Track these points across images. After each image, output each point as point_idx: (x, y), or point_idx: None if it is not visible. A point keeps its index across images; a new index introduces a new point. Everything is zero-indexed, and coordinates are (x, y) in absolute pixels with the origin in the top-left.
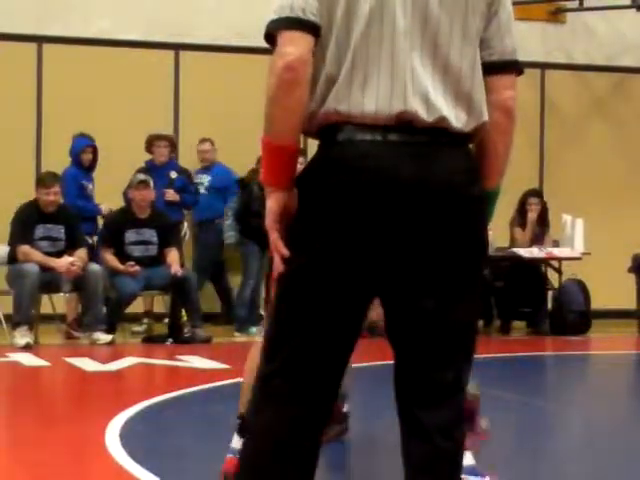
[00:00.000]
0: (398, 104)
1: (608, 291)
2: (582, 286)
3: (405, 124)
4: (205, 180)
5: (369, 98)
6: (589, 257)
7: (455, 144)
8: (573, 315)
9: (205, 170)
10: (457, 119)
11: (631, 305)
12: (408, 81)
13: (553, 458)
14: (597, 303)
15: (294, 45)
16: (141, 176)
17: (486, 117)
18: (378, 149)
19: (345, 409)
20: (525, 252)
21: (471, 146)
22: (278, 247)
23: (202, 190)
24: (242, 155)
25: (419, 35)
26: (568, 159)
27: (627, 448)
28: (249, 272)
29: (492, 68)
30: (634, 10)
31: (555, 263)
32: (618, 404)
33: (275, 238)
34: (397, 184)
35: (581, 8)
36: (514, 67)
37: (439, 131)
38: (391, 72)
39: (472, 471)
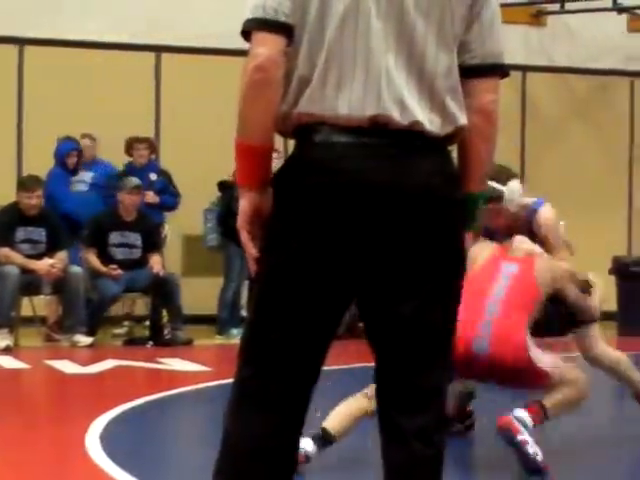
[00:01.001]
0: (372, 107)
1: None
2: None
3: (380, 127)
4: (87, 177)
5: (343, 100)
6: (569, 259)
7: (430, 148)
8: (553, 316)
9: (86, 166)
10: (431, 123)
11: (611, 307)
12: (383, 84)
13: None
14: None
15: (265, 46)
16: (135, 181)
17: (463, 121)
18: (354, 151)
19: (470, 407)
20: None
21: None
22: (248, 248)
23: (83, 188)
24: (224, 157)
25: (394, 38)
26: (549, 161)
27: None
28: (231, 274)
29: (473, 72)
30: (615, 13)
31: None
32: (602, 406)
33: (246, 239)
34: (373, 187)
35: (562, 11)
36: (496, 70)
37: (414, 134)
38: (365, 74)
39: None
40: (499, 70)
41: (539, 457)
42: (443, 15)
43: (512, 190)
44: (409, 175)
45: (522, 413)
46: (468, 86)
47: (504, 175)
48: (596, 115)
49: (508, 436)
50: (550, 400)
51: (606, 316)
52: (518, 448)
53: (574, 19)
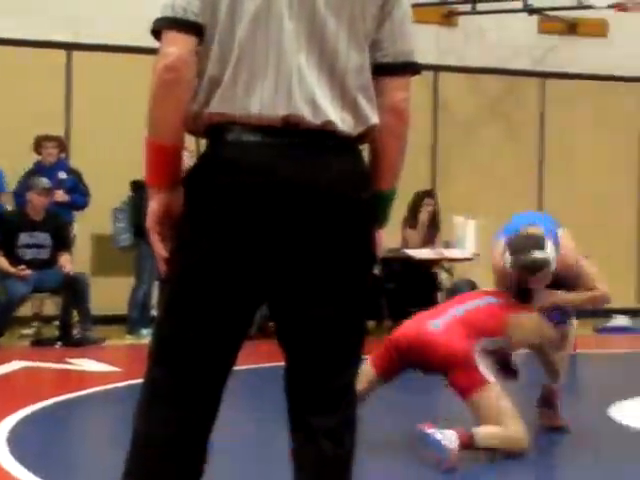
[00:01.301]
0: (284, 106)
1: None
2: (473, 287)
3: (291, 126)
4: None
5: (254, 100)
6: (480, 258)
7: (342, 147)
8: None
9: None
10: (343, 122)
11: None
12: (294, 83)
13: None
14: None
15: (175, 45)
16: (45, 182)
17: (374, 120)
18: (265, 151)
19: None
20: (416, 253)
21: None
22: (158, 249)
23: None
24: (134, 156)
25: (305, 37)
26: (460, 161)
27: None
28: (142, 274)
29: (384, 70)
30: (526, 14)
31: (446, 264)
32: None
33: (155, 240)
34: (283, 187)
35: (474, 11)
36: (407, 69)
37: (326, 134)
38: (277, 74)
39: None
40: (410, 68)
41: (448, 444)
42: (354, 14)
43: (552, 251)
44: (320, 175)
45: (449, 432)
46: (380, 84)
47: (539, 241)
48: (507, 115)
49: (421, 432)
50: (483, 430)
51: None
52: (425, 437)
53: (485, 20)
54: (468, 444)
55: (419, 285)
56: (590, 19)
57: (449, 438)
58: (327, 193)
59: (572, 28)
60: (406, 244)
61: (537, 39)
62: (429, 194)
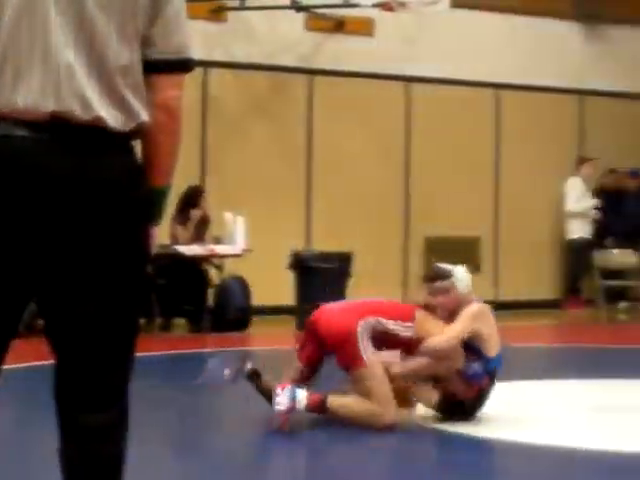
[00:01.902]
0: (52, 102)
1: (269, 287)
2: (242, 283)
3: (61, 122)
4: None
5: (21, 94)
6: (250, 254)
7: (113, 144)
8: (234, 312)
9: None
10: (114, 119)
11: (290, 301)
12: (63, 79)
13: (219, 456)
14: (258, 299)
15: None
16: None
17: (144, 117)
18: (32, 146)
19: None
20: (186, 249)
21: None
22: None
23: None
24: None
25: (73, 32)
26: (230, 157)
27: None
28: None
29: (155, 67)
30: (293, 11)
31: (217, 260)
32: None
33: None
34: (51, 183)
35: (242, 7)
36: (179, 66)
37: (96, 130)
38: (44, 68)
39: None
40: (183, 66)
41: (280, 408)
42: (124, 10)
43: (460, 272)
44: (89, 170)
45: (301, 394)
46: (151, 81)
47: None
48: (275, 111)
49: (273, 390)
50: (340, 401)
51: (285, 310)
52: (275, 395)
53: (254, 16)
54: (318, 407)
55: (189, 282)
56: (357, 17)
57: (296, 397)
58: (96, 188)
59: (339, 26)
60: (176, 240)
61: (305, 36)
62: (198, 191)
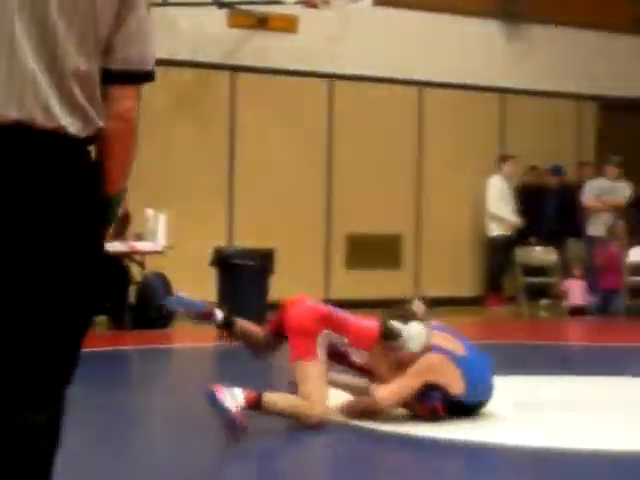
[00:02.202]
0: (16, 109)
1: (191, 284)
2: (164, 280)
3: (23, 128)
4: None
5: None
6: (172, 251)
7: (71, 149)
8: (155, 309)
9: None
10: (73, 126)
11: (213, 298)
12: (27, 86)
13: (135, 456)
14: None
15: None
16: None
17: (100, 124)
18: None
19: None
20: (107, 246)
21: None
22: None
23: None
24: None
25: (37, 40)
26: (152, 153)
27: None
28: None
29: (115, 77)
30: (215, 7)
31: (138, 257)
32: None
33: None
34: (7, 186)
35: (164, 3)
36: (138, 78)
37: (56, 137)
38: (8, 76)
39: None
40: (142, 78)
41: (233, 410)
42: (86, 19)
43: (413, 330)
44: (49, 175)
45: (238, 392)
46: (110, 91)
47: (408, 315)
48: (199, 108)
49: (210, 394)
50: (275, 397)
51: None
52: (211, 397)
53: (176, 12)
54: (255, 405)
55: (110, 279)
56: (280, 14)
57: (234, 397)
58: (53, 192)
59: (262, 23)
60: None
61: (228, 33)
62: None
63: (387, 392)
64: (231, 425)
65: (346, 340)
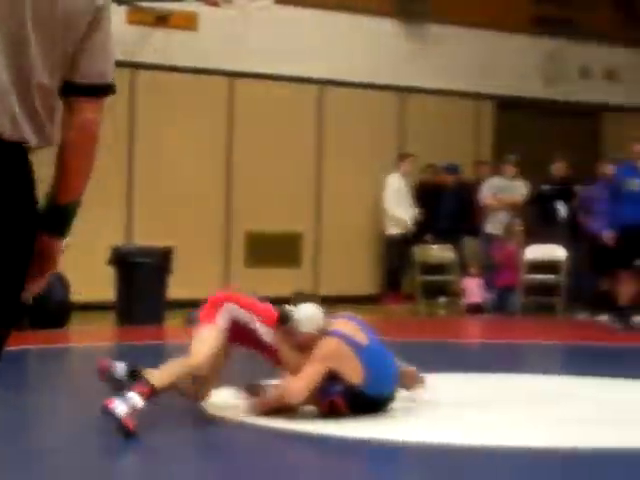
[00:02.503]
0: None
1: (89, 283)
2: (61, 278)
3: None
4: None
5: None
6: (70, 249)
7: (18, 157)
8: (52, 307)
9: None
10: (32, 139)
11: (111, 297)
12: (2, 97)
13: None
14: (78, 295)
15: None
16: None
17: (55, 141)
18: None
19: None
20: None
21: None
22: None
23: None
24: None
25: (9, 51)
26: (48, 151)
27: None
28: None
29: (77, 90)
30: (115, 4)
31: None
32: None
33: None
34: None
35: None
36: (100, 91)
37: (20, 148)
38: None
39: None
40: (104, 91)
41: (124, 415)
42: (55, 34)
43: (304, 311)
44: (11, 186)
45: (131, 394)
46: (71, 103)
47: (300, 298)
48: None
49: (105, 410)
50: (156, 373)
51: (105, 306)
52: (105, 411)
53: None
54: (152, 393)
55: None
56: (181, 12)
57: (127, 400)
58: (15, 203)
59: (163, 20)
60: None
61: (127, 30)
62: None
63: (295, 389)
64: (125, 431)
65: (255, 317)
